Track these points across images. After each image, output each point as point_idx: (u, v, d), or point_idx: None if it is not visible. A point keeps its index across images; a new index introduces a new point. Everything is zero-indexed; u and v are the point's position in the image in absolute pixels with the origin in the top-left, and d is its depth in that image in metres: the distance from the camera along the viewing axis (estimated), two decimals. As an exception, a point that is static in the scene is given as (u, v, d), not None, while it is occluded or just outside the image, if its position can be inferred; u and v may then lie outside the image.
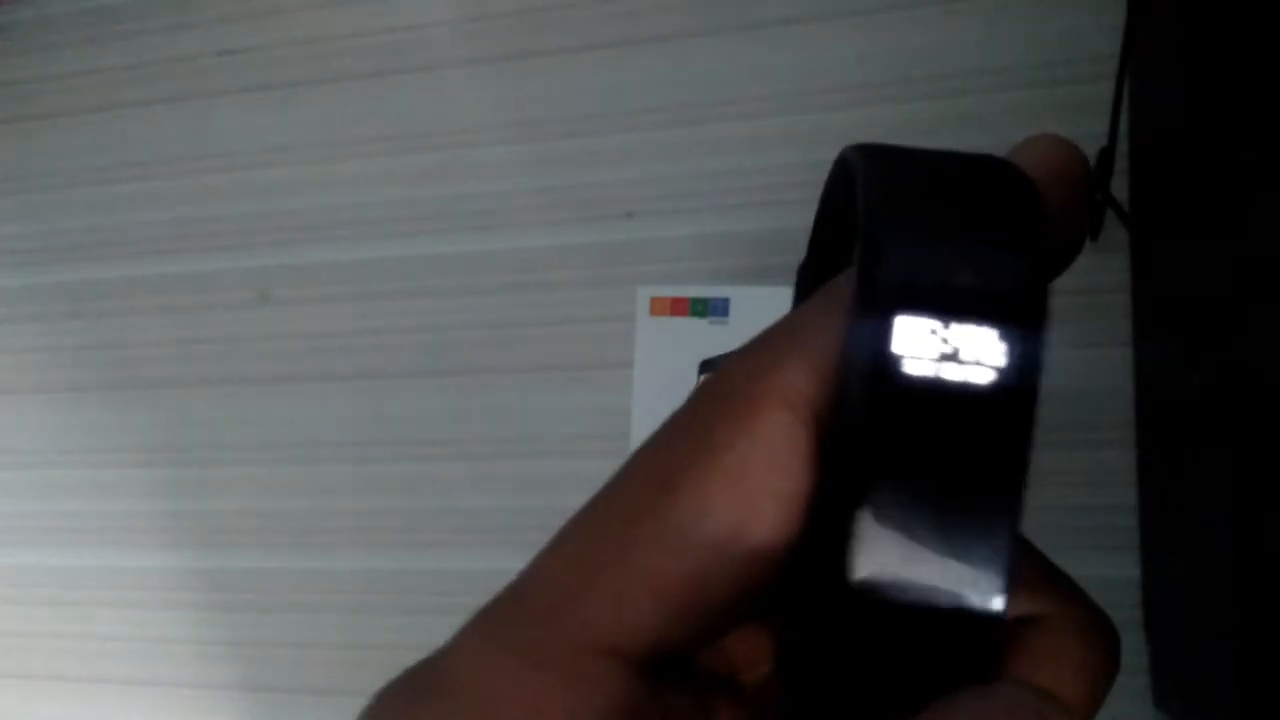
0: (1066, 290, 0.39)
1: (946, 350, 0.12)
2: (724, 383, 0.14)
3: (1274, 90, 0.27)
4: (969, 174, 0.13)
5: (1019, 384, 0.12)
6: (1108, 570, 0.38)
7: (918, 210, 0.13)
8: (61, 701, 0.50)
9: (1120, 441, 0.38)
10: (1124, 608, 0.37)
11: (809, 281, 0.19)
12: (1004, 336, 0.12)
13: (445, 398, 0.46)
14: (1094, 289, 0.39)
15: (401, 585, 0.46)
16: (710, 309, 0.41)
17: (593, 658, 0.13)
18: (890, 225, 0.12)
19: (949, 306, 0.12)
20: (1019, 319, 0.12)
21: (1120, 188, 0.37)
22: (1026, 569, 0.14)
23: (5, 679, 0.51)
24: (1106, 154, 0.36)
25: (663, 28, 0.45)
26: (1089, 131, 0.37)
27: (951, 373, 0.12)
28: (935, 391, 0.12)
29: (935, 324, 0.12)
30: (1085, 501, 0.38)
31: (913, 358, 0.12)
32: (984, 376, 0.12)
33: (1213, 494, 0.29)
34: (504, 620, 0.14)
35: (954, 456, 0.12)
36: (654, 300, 0.42)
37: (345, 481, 0.47)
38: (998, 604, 0.12)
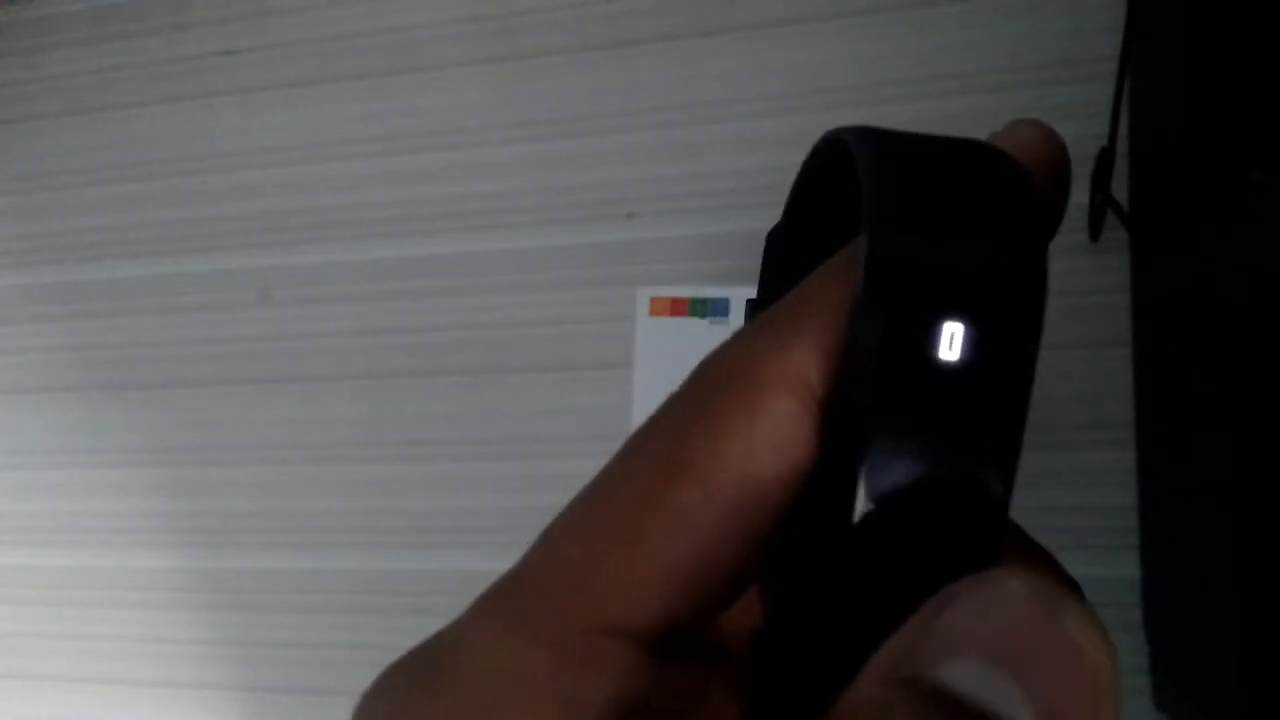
0: (1067, 291, 0.39)
1: (953, 338, 0.13)
2: (730, 366, 0.14)
3: (1274, 90, 0.27)
4: (967, 163, 0.14)
5: (1018, 369, 0.13)
6: (1107, 570, 0.38)
7: (923, 201, 0.13)
8: (61, 702, 0.50)
9: (1120, 442, 0.38)
10: (1124, 608, 0.37)
11: (782, 248, 0.19)
12: (1008, 325, 0.13)
13: (445, 398, 0.46)
14: (1094, 289, 0.39)
15: (402, 585, 0.46)
16: (710, 309, 0.41)
17: (603, 639, 0.13)
18: (896, 216, 0.13)
19: (955, 298, 0.13)
20: (1023, 308, 0.13)
21: (1120, 188, 0.37)
22: (1009, 544, 0.14)
23: (5, 679, 0.51)
24: (1106, 154, 0.36)
25: (663, 28, 0.45)
26: (1089, 132, 0.37)
27: (956, 360, 0.13)
28: (939, 378, 0.12)
29: (942, 314, 0.13)
30: (1085, 501, 0.38)
31: (919, 347, 0.12)
32: (987, 363, 0.13)
33: (1213, 493, 0.28)
34: (513, 600, 0.14)
35: (953, 439, 0.13)
36: (654, 300, 0.42)
37: (345, 481, 0.47)
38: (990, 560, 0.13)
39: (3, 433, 0.52)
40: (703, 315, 0.41)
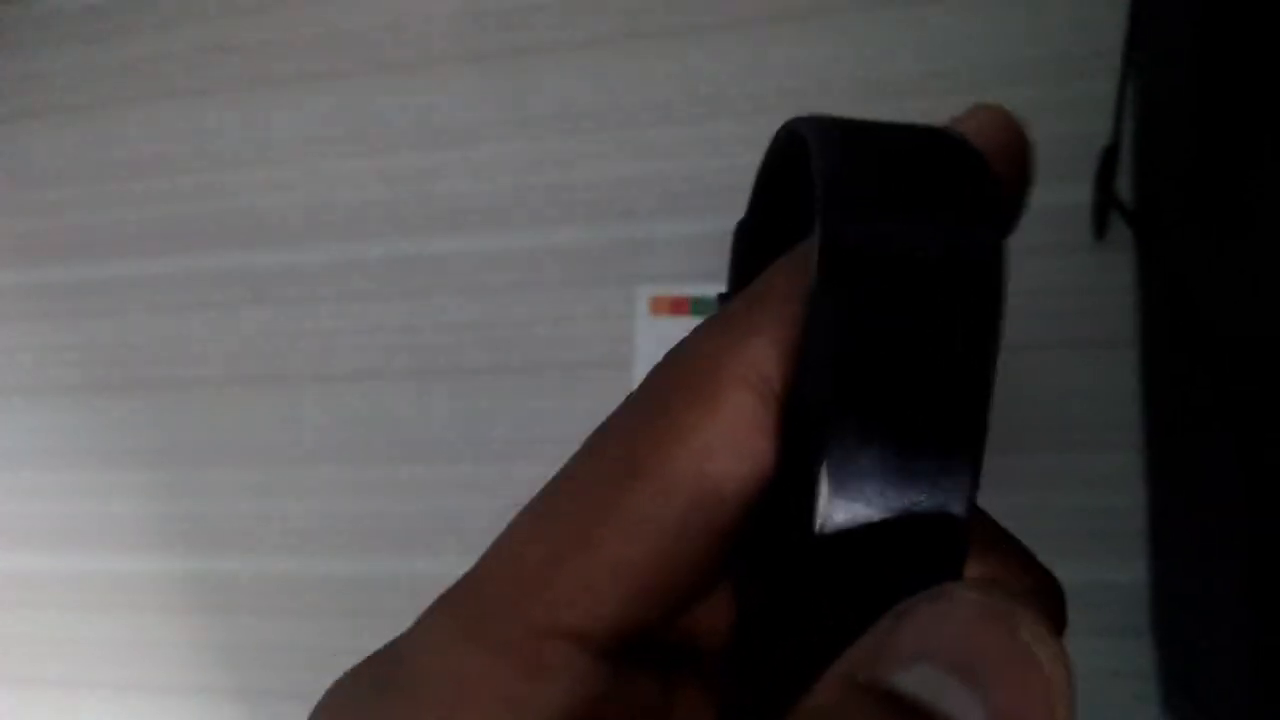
0: (1072, 290, 0.38)
1: (909, 326, 0.12)
2: (686, 364, 0.14)
3: (1283, 85, 0.27)
4: (922, 148, 0.14)
5: (980, 356, 0.12)
6: (1115, 574, 0.37)
7: (876, 186, 0.13)
8: (54, 707, 0.50)
9: (1127, 443, 0.37)
10: (1132, 611, 0.37)
11: (749, 241, 0.19)
12: (965, 311, 0.12)
13: (443, 398, 0.46)
14: (1099, 288, 0.38)
15: (399, 588, 0.46)
16: (711, 308, 0.41)
17: (556, 644, 0.13)
18: (851, 204, 0.13)
19: (911, 284, 0.12)
20: (980, 294, 0.12)
21: (1125, 187, 0.37)
22: (981, 536, 0.14)
23: None
24: (1111, 152, 0.36)
25: (663, 24, 0.45)
26: (1093, 129, 0.36)
27: (914, 348, 0.12)
28: (898, 366, 0.12)
29: (898, 302, 0.12)
30: (1092, 504, 0.38)
31: (875, 335, 0.12)
32: (946, 352, 0.12)
33: (1222, 496, 0.28)
34: (466, 607, 0.14)
35: (916, 425, 0.12)
36: (654, 300, 0.41)
37: (342, 483, 0.47)
38: (959, 543, 0.12)
39: None
40: (703, 314, 0.41)
